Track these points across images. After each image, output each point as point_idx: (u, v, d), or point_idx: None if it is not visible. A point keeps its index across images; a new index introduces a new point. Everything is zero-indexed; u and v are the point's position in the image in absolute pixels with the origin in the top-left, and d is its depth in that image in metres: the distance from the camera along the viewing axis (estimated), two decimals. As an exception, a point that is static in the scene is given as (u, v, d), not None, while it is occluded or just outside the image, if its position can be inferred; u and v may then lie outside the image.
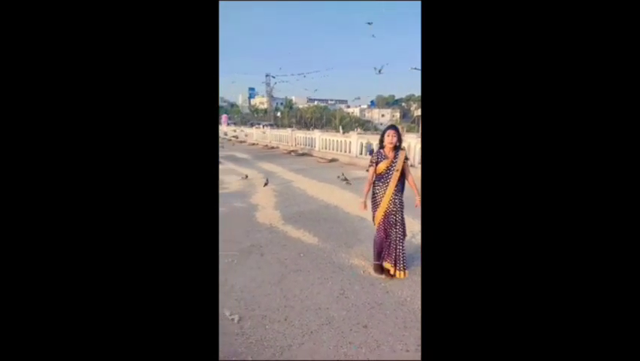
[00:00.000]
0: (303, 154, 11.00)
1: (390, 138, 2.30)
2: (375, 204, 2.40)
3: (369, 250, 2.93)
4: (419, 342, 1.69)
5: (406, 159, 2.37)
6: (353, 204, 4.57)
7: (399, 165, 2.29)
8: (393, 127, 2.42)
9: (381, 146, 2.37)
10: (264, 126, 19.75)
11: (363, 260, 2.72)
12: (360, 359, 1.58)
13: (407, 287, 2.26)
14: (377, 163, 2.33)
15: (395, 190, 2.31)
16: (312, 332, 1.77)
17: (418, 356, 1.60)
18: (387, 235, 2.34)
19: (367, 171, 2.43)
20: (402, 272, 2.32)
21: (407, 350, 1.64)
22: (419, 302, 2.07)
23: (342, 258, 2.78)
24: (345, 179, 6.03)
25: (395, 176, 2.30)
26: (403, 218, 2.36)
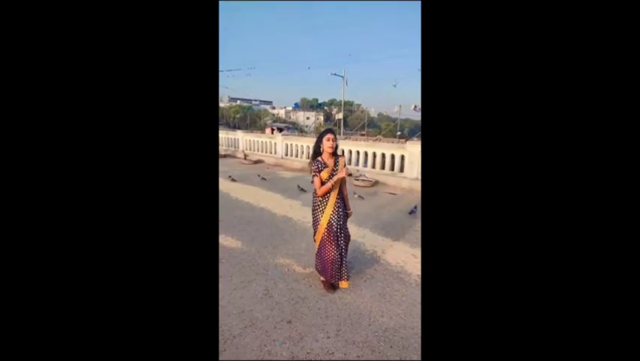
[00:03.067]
0: (225, 155, 10.45)
1: (330, 143, 2.09)
2: (316, 218, 2.18)
3: (294, 249, 3.01)
4: (339, 328, 1.83)
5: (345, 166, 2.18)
6: (279, 205, 4.59)
7: (340, 174, 2.12)
8: (331, 130, 2.18)
9: (318, 152, 2.15)
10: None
11: (288, 259, 2.77)
12: (284, 357, 1.62)
13: (329, 279, 2.41)
14: (319, 172, 2.09)
15: (337, 200, 2.14)
16: (234, 337, 1.72)
17: (337, 342, 1.73)
18: (339, 250, 2.17)
19: (312, 182, 2.18)
20: (347, 282, 2.27)
21: (328, 337, 1.76)
22: (340, 292, 2.24)
23: (266, 259, 2.77)
24: (263, 178, 6.06)
25: (337, 185, 2.12)
26: (347, 229, 2.23)
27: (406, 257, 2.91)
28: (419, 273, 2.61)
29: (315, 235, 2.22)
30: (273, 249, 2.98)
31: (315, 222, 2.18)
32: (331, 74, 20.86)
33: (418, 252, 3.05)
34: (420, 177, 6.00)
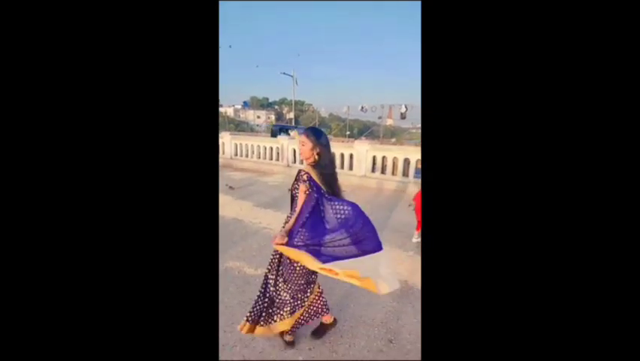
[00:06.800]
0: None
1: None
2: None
3: (244, 251, 2.94)
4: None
5: (302, 179, 1.49)
6: (229, 207, 4.43)
7: (292, 186, 1.57)
8: (303, 130, 1.60)
9: None
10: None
11: (238, 261, 2.70)
12: (236, 358, 1.59)
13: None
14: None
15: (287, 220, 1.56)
16: (180, 347, 1.63)
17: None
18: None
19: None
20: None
21: (280, 335, 1.77)
22: (291, 289, 2.26)
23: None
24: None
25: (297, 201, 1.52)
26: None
27: (355, 250, 3.06)
28: (367, 264, 2.76)
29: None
30: (222, 253, 2.88)
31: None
32: (280, 72, 20.72)
33: (366, 245, 3.22)
34: (367, 174, 6.33)
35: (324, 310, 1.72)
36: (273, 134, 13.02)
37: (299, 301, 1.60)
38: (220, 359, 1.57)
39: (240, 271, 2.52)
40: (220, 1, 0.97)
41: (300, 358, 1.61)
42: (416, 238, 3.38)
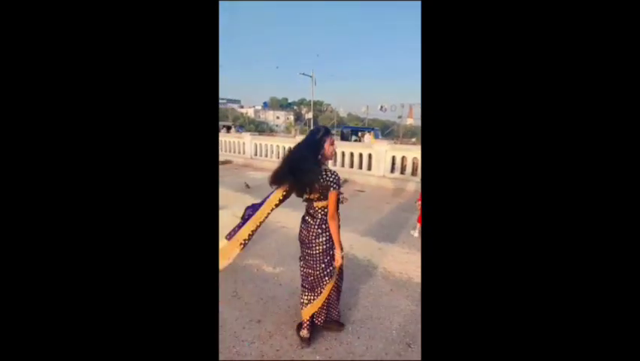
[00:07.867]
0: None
1: (334, 148, 1.66)
2: (328, 258, 1.66)
3: (263, 250, 2.99)
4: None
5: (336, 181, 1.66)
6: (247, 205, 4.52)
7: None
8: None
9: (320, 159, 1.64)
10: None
11: (257, 259, 2.75)
12: (254, 355, 1.62)
13: (299, 278, 2.43)
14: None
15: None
16: (201, 341, 1.69)
17: (307, 335, 1.76)
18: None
19: (341, 201, 1.72)
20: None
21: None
22: (308, 288, 2.27)
23: (234, 260, 2.72)
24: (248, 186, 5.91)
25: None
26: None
27: (372, 251, 3.03)
28: (385, 266, 2.73)
29: (324, 284, 1.64)
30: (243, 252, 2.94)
31: (329, 263, 1.61)
32: (300, 73, 20.89)
33: (384, 246, 3.19)
34: (386, 174, 6.24)
35: (321, 317, 1.71)
36: (344, 138, 12.10)
37: (318, 290, 1.66)
38: (239, 355, 1.61)
39: (258, 269, 2.57)
40: (221, 1, 0.98)
41: (317, 357, 1.62)
42: (415, 233, 3.49)
